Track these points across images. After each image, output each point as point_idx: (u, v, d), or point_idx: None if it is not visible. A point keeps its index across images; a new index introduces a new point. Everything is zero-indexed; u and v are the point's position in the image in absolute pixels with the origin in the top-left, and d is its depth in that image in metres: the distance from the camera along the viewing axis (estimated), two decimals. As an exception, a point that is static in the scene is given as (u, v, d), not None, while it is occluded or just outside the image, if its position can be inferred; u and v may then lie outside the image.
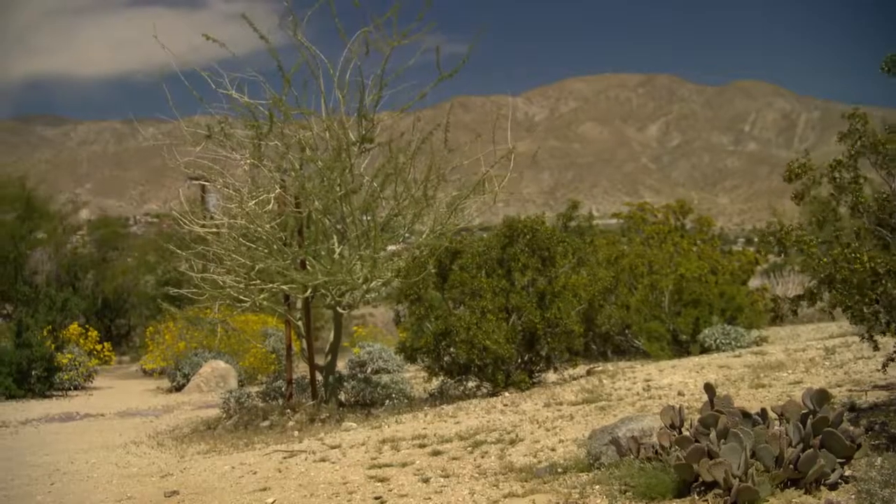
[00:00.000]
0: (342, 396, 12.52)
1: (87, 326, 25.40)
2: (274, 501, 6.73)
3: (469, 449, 7.69)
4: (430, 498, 6.37)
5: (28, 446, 11.61)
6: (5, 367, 18.54)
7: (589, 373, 12.88)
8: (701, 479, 5.54)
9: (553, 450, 7.26)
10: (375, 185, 11.97)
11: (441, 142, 12.22)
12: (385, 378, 13.38)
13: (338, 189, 11.62)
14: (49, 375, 19.35)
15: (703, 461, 5.53)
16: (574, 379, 12.18)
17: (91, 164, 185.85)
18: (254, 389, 14.02)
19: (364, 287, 11.90)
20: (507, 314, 12.07)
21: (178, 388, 19.60)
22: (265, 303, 12.32)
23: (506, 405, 9.97)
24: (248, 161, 11.99)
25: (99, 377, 22.91)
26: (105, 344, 25.28)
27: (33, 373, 19.00)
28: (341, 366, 14.04)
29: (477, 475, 6.84)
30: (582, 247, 13.59)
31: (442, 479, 6.82)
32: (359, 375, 13.92)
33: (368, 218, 11.90)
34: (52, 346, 20.12)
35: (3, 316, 31.10)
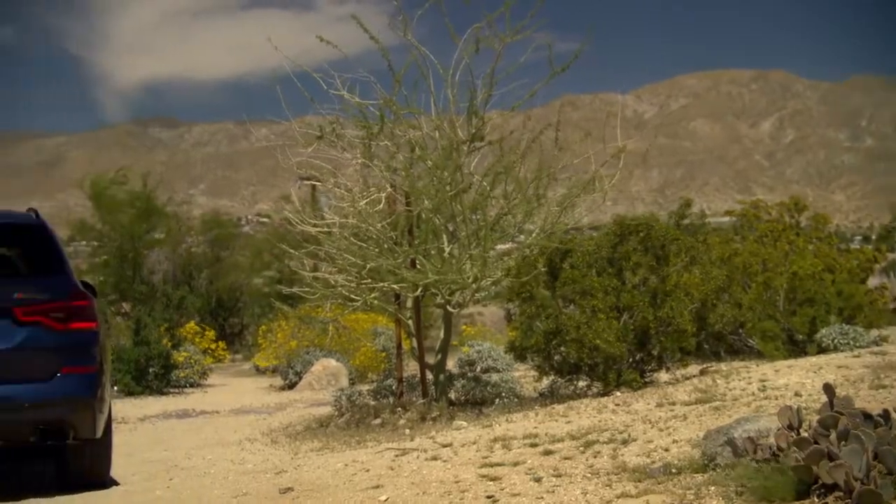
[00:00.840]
0: (452, 395, 12.55)
1: (202, 325, 25.91)
2: (387, 499, 6.76)
3: (581, 448, 7.64)
4: (542, 497, 6.34)
5: (146, 442, 11.88)
6: (124, 364, 19.01)
7: (702, 372, 12.70)
8: (820, 482, 5.41)
9: (667, 450, 7.16)
10: (485, 184, 11.97)
11: (551, 140, 12.18)
12: (495, 377, 13.37)
13: (448, 188, 11.65)
14: (166, 373, 19.77)
15: (822, 463, 5.40)
16: (687, 379, 12.02)
17: (204, 165, 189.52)
18: (364, 387, 14.14)
19: (474, 286, 11.91)
20: (618, 313, 11.97)
21: (291, 386, 19.87)
22: (376, 302, 12.41)
23: (617, 405, 9.88)
24: (359, 161, 12.10)
25: (213, 375, 23.36)
26: (220, 342, 25.77)
27: (151, 370, 19.44)
28: (451, 364, 14.07)
29: (589, 475, 6.78)
30: (695, 245, 13.40)
31: (554, 479, 6.78)
32: (468, 374, 13.95)
33: (478, 217, 11.91)
34: (169, 344, 20.57)
35: (121, 314, 31.85)
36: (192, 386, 21.31)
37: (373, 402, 12.54)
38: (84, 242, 38.33)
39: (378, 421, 11.52)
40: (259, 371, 24.30)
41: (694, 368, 13.47)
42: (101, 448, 8.22)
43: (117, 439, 8.64)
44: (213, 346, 24.71)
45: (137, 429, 13.51)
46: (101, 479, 8.30)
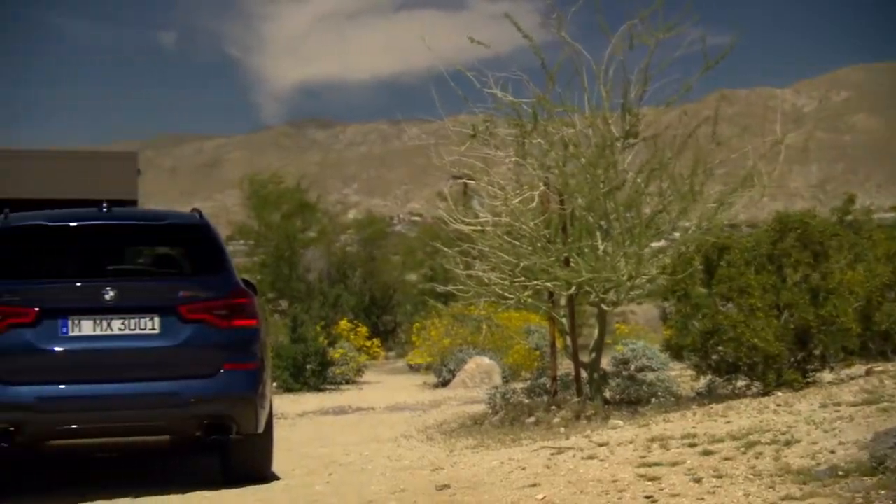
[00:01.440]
0: (607, 394, 12.45)
1: (357, 323, 26.29)
2: (544, 498, 6.74)
3: (742, 449, 7.48)
4: (702, 498, 6.24)
5: (305, 438, 12.10)
6: (282, 361, 19.42)
7: (868, 373, 12.28)
8: None
9: (832, 452, 6.96)
10: (639, 180, 11.84)
11: (705, 136, 11.98)
12: (650, 376, 13.21)
13: (601, 185, 11.56)
14: (322, 370, 20.14)
15: None
16: (851, 379, 11.65)
17: (358, 164, 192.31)
18: (518, 386, 14.13)
19: (629, 284, 11.79)
20: (777, 311, 11.68)
21: (444, 384, 19.99)
22: (529, 300, 12.39)
23: (779, 405, 9.64)
24: (512, 159, 12.10)
25: (368, 372, 23.67)
26: (374, 340, 26.11)
27: (308, 367, 19.82)
28: (604, 363, 13.95)
29: (751, 476, 6.64)
30: (858, 241, 12.98)
31: (714, 480, 6.66)
32: (623, 373, 13.81)
33: (632, 214, 11.78)
34: (325, 341, 20.93)
35: (278, 312, 32.57)
36: (347, 383, 21.65)
37: (527, 401, 12.52)
38: (242, 242, 39.40)
39: (532, 419, 11.50)
40: (412, 369, 24.52)
41: (859, 368, 13.04)
42: (263, 443, 8.41)
43: (277, 435, 8.82)
44: (367, 343, 25.04)
45: (296, 425, 13.78)
46: (264, 474, 8.49)
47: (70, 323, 7.76)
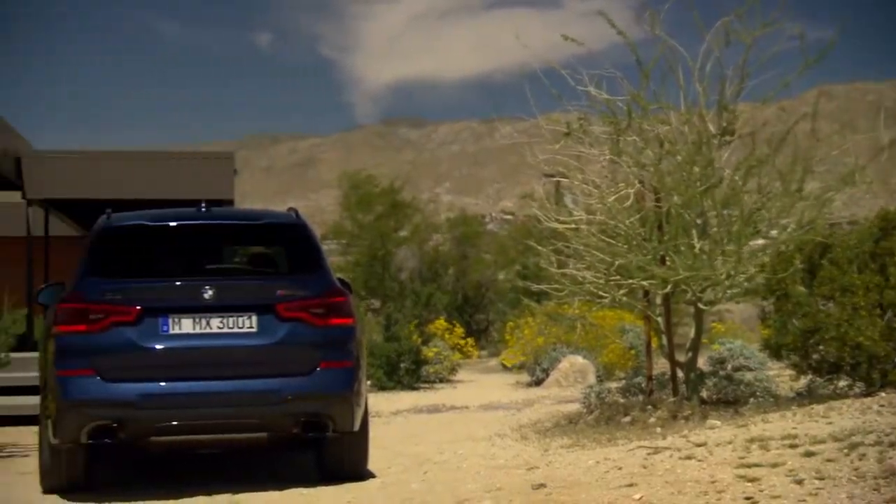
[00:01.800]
0: (704, 393, 12.27)
1: (452, 321, 26.36)
2: (641, 498, 6.67)
3: (845, 451, 7.32)
4: (804, 500, 6.12)
5: (399, 436, 12.16)
6: (376, 359, 19.55)
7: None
8: None
9: (939, 455, 6.78)
10: (737, 178, 11.66)
11: (805, 133, 11.76)
12: (748, 375, 13.00)
13: (698, 183, 11.41)
14: (416, 368, 20.25)
15: None
16: (957, 380, 11.35)
17: (450, 163, 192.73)
18: (612, 385, 14.02)
19: (727, 283, 11.62)
20: (880, 311, 11.42)
21: (538, 383, 19.94)
22: (624, 298, 12.28)
23: (882, 405, 9.41)
24: (607, 157, 12.00)
25: (461, 371, 23.72)
26: (468, 339, 26.16)
27: (402, 365, 19.94)
28: (701, 362, 13.77)
29: (855, 478, 6.49)
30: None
31: (817, 481, 6.53)
32: (720, 372, 13.62)
33: (731, 212, 11.60)
34: (419, 339, 21.04)
35: (371, 310, 32.79)
36: (441, 381, 21.74)
37: (622, 400, 12.41)
38: (335, 241, 39.74)
39: (628, 419, 11.39)
40: (505, 368, 24.51)
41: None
42: (359, 441, 8.47)
43: (371, 433, 8.86)
44: (461, 342, 25.09)
45: (390, 423, 13.85)
46: (359, 472, 8.55)
47: (170, 321, 7.90)
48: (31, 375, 12.97)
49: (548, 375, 19.76)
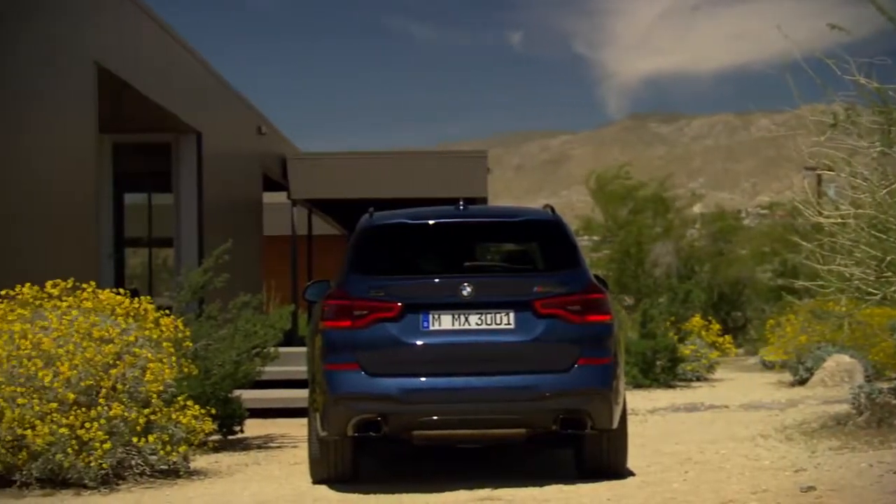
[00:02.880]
0: None
1: (709, 319, 25.84)
2: (921, 505, 6.32)
3: None
4: None
5: (657, 434, 11.97)
6: (631, 357, 19.36)
7: None
8: None
9: None
10: None
11: None
12: None
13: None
14: (672, 366, 19.94)
15: None
16: None
17: (703, 158, 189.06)
18: (883, 385, 13.36)
19: None
20: None
21: (801, 382, 19.25)
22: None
23: None
24: (878, 149, 11.43)
25: (719, 369, 23.20)
26: (726, 336, 25.58)
27: (658, 363, 19.67)
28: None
29: None
30: None
31: None
32: None
33: None
34: (675, 337, 20.71)
35: (624, 307, 32.52)
36: (698, 380, 21.33)
37: (894, 401, 11.81)
38: (586, 237, 39.64)
39: (901, 421, 10.83)
40: (766, 366, 23.79)
41: None
42: (618, 438, 8.38)
43: (629, 430, 8.75)
44: (719, 339, 24.57)
45: (647, 421, 13.66)
46: (618, 470, 8.46)
47: (431, 318, 8.04)
48: (297, 370, 13.55)
49: (812, 374, 19.03)
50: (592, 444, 8.37)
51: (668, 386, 19.66)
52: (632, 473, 8.57)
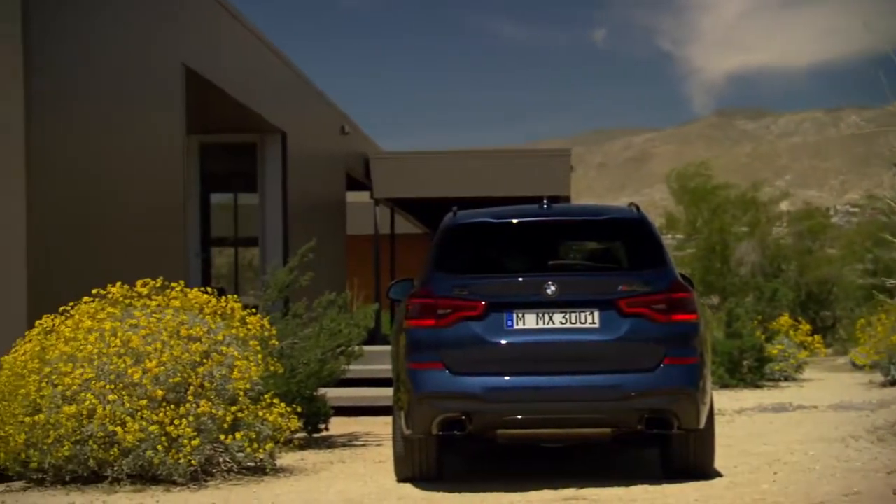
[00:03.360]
0: None
1: (798, 318, 25.46)
2: None
3: None
4: None
5: (744, 435, 11.81)
6: (717, 356, 19.14)
7: None
8: None
9: None
10: None
11: None
12: None
13: None
14: (760, 366, 19.70)
15: None
16: None
17: (790, 155, 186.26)
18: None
19: None
20: None
21: (892, 383, 18.88)
22: None
23: None
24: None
25: (807, 369, 22.84)
26: (815, 336, 25.18)
27: (744, 363, 19.44)
28: None
29: None
30: None
31: None
32: None
33: None
34: (762, 336, 20.44)
35: (710, 307, 32.15)
36: (786, 380, 21.02)
37: None
38: (670, 235, 39.25)
39: None
40: (855, 366, 23.35)
41: None
42: (705, 439, 8.28)
43: (716, 431, 8.63)
44: (808, 339, 24.20)
45: (734, 421, 13.48)
46: (705, 470, 8.36)
47: (514, 316, 8.03)
48: (381, 368, 13.62)
49: (903, 375, 18.64)
50: (679, 444, 8.28)
51: (756, 386, 19.41)
52: (719, 474, 8.46)
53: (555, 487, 7.88)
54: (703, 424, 8.04)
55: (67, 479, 8.51)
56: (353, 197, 23.83)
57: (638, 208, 8.97)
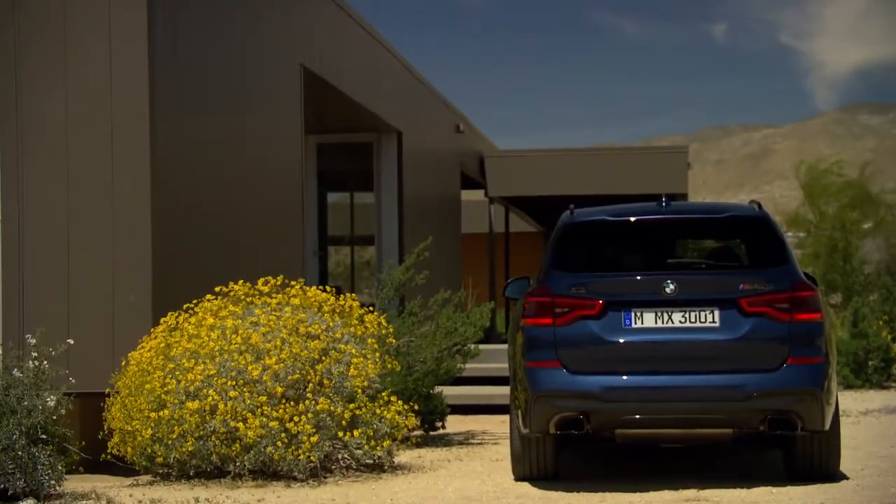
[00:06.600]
0: None
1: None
2: None
3: None
4: None
5: (871, 436, 11.50)
6: (842, 357, 18.70)
7: None
8: None
9: None
10: None
11: None
12: None
13: None
14: (886, 366, 19.21)
15: None
16: None
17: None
18: None
19: None
20: None
21: None
22: None
23: None
24: None
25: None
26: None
27: (870, 363, 18.97)
28: None
29: None
30: None
31: None
32: None
33: None
34: (889, 336, 19.93)
35: (832, 306, 31.42)
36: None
37: None
38: (790, 233, 38.44)
39: None
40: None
41: None
42: (830, 440, 8.08)
43: (841, 432, 8.41)
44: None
45: (860, 422, 13.14)
46: (831, 472, 8.16)
47: (633, 315, 7.95)
48: (496, 366, 13.61)
49: None
50: (803, 445, 8.09)
51: (882, 387, 18.90)
52: (845, 477, 8.25)
53: (675, 488, 7.77)
54: (828, 426, 7.85)
55: (191, 473, 8.68)
56: (468, 195, 23.87)
57: (759, 206, 8.81)
